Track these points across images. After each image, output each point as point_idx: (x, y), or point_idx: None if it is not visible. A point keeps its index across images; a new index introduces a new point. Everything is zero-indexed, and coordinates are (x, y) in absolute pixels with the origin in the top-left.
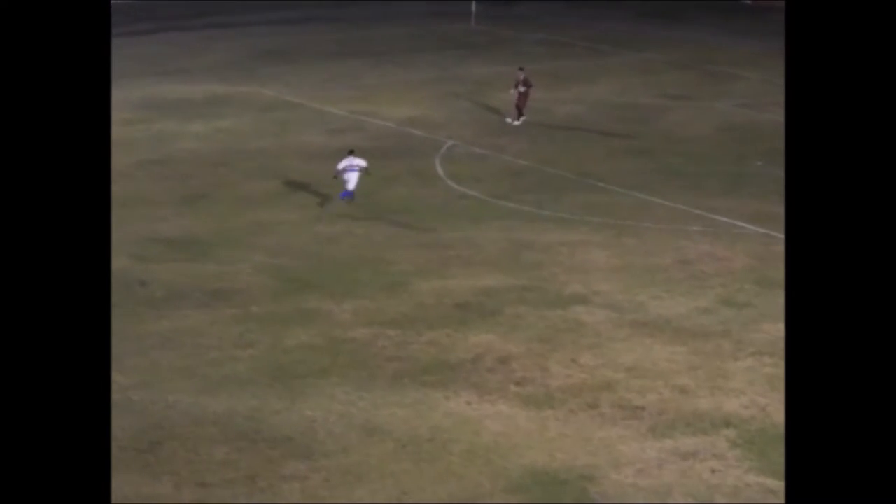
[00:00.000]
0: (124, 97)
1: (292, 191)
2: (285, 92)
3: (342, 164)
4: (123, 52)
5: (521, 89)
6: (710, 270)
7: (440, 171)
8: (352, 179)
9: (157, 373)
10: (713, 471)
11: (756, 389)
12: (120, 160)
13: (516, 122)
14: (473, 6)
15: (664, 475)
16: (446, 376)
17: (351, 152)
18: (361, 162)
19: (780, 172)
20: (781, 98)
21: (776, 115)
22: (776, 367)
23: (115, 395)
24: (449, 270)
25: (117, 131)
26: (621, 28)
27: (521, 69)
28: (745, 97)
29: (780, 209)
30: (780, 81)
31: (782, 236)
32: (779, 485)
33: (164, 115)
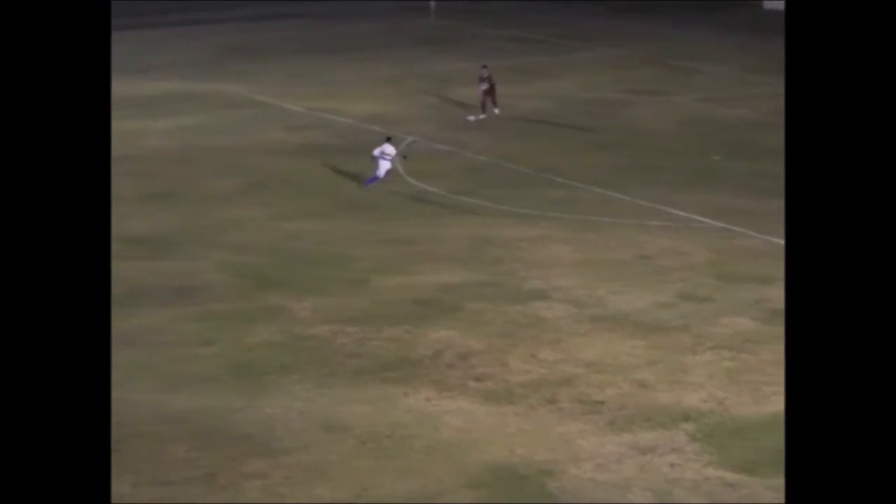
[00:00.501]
0: None
1: (256, 188)
2: (250, 89)
3: (377, 151)
4: None
5: (484, 87)
6: (670, 265)
7: (399, 167)
8: (382, 167)
9: (118, 370)
10: (672, 465)
11: (715, 383)
12: None
13: (481, 117)
14: (433, 4)
15: (623, 470)
16: (406, 372)
17: (388, 139)
18: (392, 150)
19: (740, 166)
20: (744, 92)
21: (737, 109)
22: (735, 361)
23: None
24: (410, 267)
25: None
26: (589, 23)
27: (484, 66)
28: (708, 91)
29: (740, 203)
30: (743, 76)
31: (742, 230)
32: (738, 478)
33: (129, 112)
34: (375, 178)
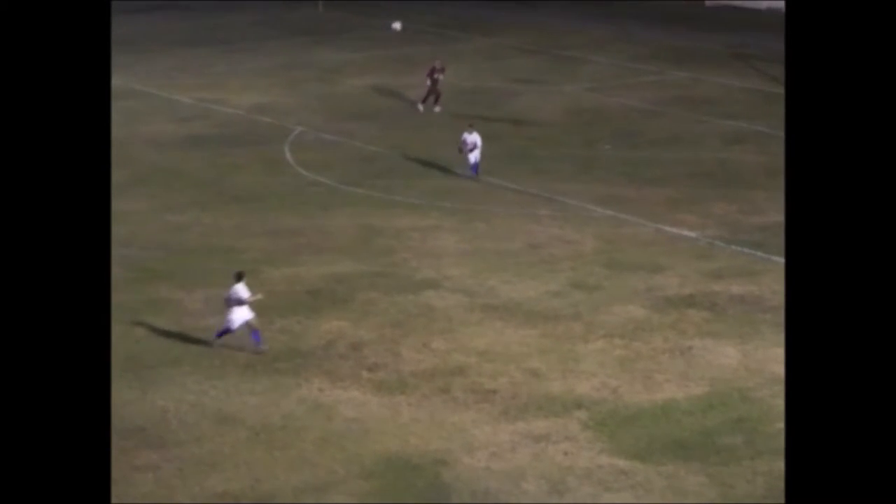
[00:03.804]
0: None
1: (141, 180)
2: (133, 81)
3: (468, 140)
4: None
5: (437, 76)
6: (559, 254)
7: (289, 157)
8: (475, 153)
9: None
10: (566, 453)
11: (607, 371)
12: None
13: (437, 109)
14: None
15: (517, 458)
16: (298, 363)
17: (470, 125)
18: (476, 139)
19: (627, 155)
20: (628, 81)
21: (623, 99)
22: (626, 349)
23: None
24: (300, 257)
25: None
26: (469, 13)
27: (437, 59)
28: (592, 81)
29: (628, 192)
30: (626, 64)
31: (630, 218)
32: (630, 465)
33: None
34: (476, 164)
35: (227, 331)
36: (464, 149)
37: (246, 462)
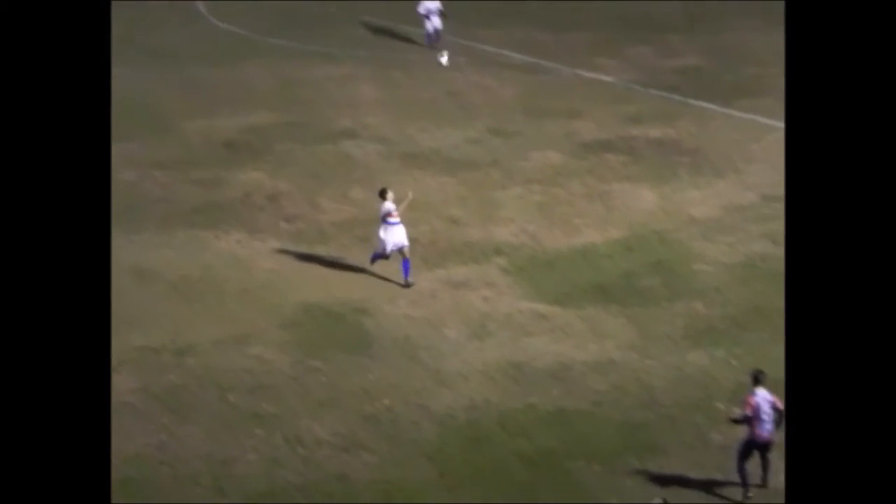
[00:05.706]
0: None
1: None
2: None
3: (429, 6)
4: None
5: None
6: (477, 101)
7: (202, 8)
8: (434, 22)
9: None
10: (485, 299)
11: (525, 217)
12: None
13: None
14: None
15: (437, 305)
16: (216, 216)
17: None
18: (439, 5)
19: (545, 1)
20: None
21: None
22: (545, 195)
23: None
24: (215, 109)
25: None
26: None
27: None
28: None
29: (545, 37)
30: None
31: (548, 64)
32: (550, 309)
33: None
34: (432, 36)
35: (380, 255)
36: (421, 16)
37: (165, 315)
